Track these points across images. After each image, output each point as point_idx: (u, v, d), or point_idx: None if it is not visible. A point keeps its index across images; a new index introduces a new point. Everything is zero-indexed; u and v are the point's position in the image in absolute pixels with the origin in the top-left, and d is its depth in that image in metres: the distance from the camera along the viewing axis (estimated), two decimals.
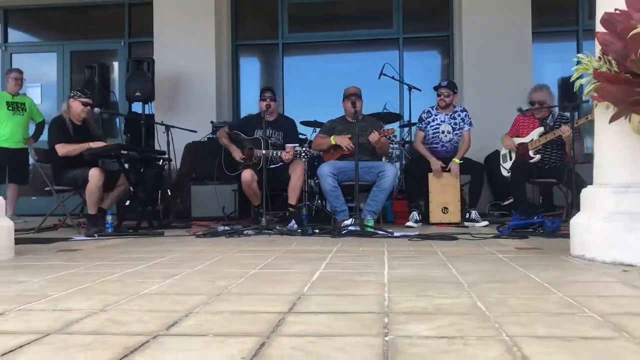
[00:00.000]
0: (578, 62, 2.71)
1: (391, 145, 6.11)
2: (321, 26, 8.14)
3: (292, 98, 7.99)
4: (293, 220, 4.68)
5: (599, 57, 2.57)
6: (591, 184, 2.84)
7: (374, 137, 4.82)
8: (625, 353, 1.21)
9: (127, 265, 2.72)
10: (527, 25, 7.00)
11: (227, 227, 4.44)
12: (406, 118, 6.59)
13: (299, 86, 8.02)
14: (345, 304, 1.75)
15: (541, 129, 4.94)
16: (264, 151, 4.70)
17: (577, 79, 2.66)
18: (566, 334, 1.36)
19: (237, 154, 4.96)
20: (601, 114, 2.64)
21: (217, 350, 1.27)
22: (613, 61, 2.48)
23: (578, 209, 2.91)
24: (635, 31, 2.19)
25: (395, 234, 4.18)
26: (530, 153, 4.94)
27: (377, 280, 2.18)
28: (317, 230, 4.39)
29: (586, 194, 2.79)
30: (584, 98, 2.63)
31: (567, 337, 1.34)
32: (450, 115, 5.40)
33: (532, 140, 4.97)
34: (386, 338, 1.34)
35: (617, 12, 2.44)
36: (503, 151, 5.30)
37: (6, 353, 1.25)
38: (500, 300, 1.77)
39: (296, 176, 4.83)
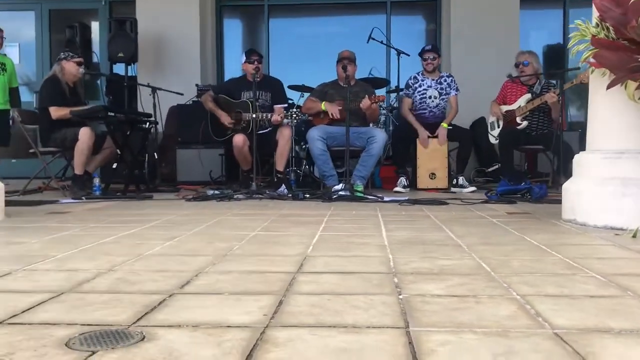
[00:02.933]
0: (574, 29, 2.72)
1: (380, 111, 6.11)
2: None
3: (278, 61, 7.90)
4: (283, 185, 4.68)
5: (597, 24, 2.58)
6: (577, 151, 2.91)
7: (365, 103, 4.81)
8: (633, 310, 1.25)
9: (122, 227, 2.70)
10: None
11: (216, 192, 4.43)
12: (394, 83, 6.57)
13: (284, 49, 7.92)
14: (351, 265, 1.78)
15: (528, 96, 4.97)
16: (253, 115, 4.66)
17: (575, 45, 2.66)
18: (573, 292, 1.40)
19: (226, 119, 4.91)
20: (596, 80, 2.67)
21: (235, 307, 1.28)
22: (611, 28, 2.50)
23: (564, 176, 2.96)
24: None
25: (386, 198, 4.22)
26: (518, 119, 4.98)
27: (377, 243, 2.21)
28: (307, 195, 4.40)
29: (579, 160, 2.83)
30: (579, 64, 2.65)
31: (574, 295, 1.38)
32: (437, 80, 5.40)
33: (519, 107, 5.00)
34: (400, 296, 1.37)
35: None
36: (491, 119, 5.33)
37: (25, 311, 1.25)
38: (503, 262, 1.81)
39: (284, 141, 4.80)
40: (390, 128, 6.24)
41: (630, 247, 2.09)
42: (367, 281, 1.55)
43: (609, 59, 2.41)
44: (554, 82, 5.02)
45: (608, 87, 2.45)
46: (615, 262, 1.82)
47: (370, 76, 6.82)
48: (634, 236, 2.31)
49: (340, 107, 4.89)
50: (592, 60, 2.52)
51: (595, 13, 2.63)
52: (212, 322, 1.16)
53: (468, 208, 3.63)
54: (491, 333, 1.09)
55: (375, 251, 2.02)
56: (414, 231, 2.56)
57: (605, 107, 2.66)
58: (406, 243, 2.21)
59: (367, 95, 4.86)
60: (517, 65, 5.11)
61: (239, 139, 4.71)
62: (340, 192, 4.35)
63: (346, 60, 4.95)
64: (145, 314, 1.22)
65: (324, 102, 4.96)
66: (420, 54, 5.47)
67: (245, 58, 5.05)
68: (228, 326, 1.14)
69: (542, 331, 1.10)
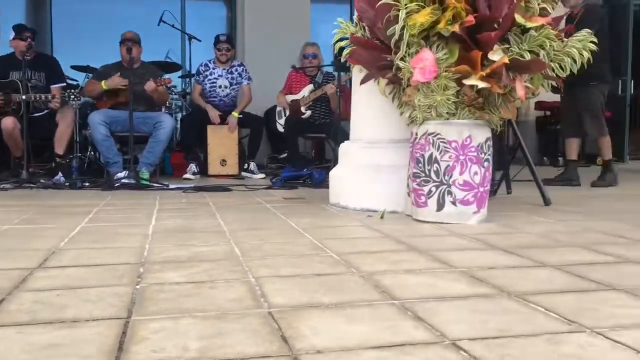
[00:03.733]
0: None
1: (171, 96, 5.99)
2: None
3: (62, 40, 7.31)
4: (60, 173, 4.37)
5: (356, 23, 2.80)
6: None
7: (149, 85, 4.66)
8: (348, 284, 1.40)
9: None
10: None
11: None
12: (187, 68, 6.47)
13: (70, 27, 7.35)
14: (102, 257, 1.73)
15: (311, 86, 5.25)
16: (23, 96, 4.26)
17: (338, 41, 2.86)
18: (304, 272, 1.53)
19: None
20: (357, 76, 2.91)
21: None
22: (367, 27, 2.73)
23: None
24: (382, 2, 2.43)
25: (171, 186, 4.16)
26: (302, 109, 5.23)
27: (142, 232, 2.18)
28: (87, 184, 4.16)
29: (343, 148, 3.07)
30: (342, 60, 2.86)
31: (304, 275, 1.50)
32: (228, 70, 5.44)
33: (303, 97, 5.26)
34: (137, 286, 1.37)
35: None
36: (278, 108, 5.53)
37: None
38: (256, 246, 1.90)
39: (65, 124, 4.48)
40: (184, 113, 6.16)
41: (375, 227, 2.33)
42: (111, 272, 1.52)
43: (363, 57, 2.64)
44: (334, 73, 5.34)
45: (360, 83, 2.69)
46: (356, 242, 2.01)
47: (168, 59, 6.65)
48: (382, 217, 2.58)
49: (120, 77, 4.66)
50: (350, 57, 2.73)
51: (356, 13, 2.86)
52: None
53: (250, 194, 3.73)
54: (210, 317, 1.14)
55: (135, 241, 1.99)
56: (186, 219, 2.57)
57: (363, 101, 2.92)
58: (172, 232, 2.21)
59: (151, 78, 4.70)
60: (305, 57, 5.35)
61: (7, 122, 4.28)
62: (123, 180, 4.19)
63: (130, 42, 4.75)
64: None
65: (103, 81, 4.70)
66: (215, 43, 5.46)
67: (14, 34, 4.58)
68: None
69: (259, 311, 1.18)
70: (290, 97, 5.38)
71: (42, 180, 4.17)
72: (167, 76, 4.84)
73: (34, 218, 2.57)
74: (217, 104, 5.41)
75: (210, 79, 5.40)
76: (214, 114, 5.27)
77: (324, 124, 5.27)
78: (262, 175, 5.19)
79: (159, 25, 5.96)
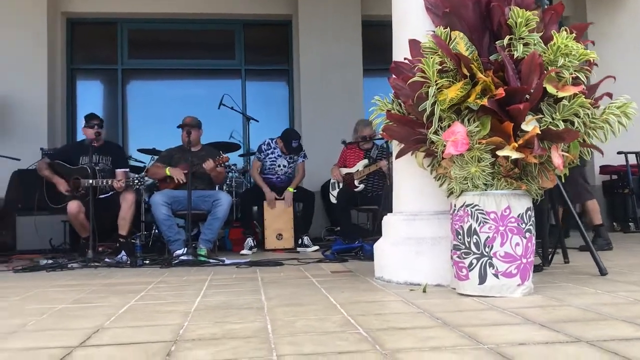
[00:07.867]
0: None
1: (231, 174, 6.23)
2: (163, 53, 8.08)
3: (132, 125, 7.84)
4: (123, 252, 4.59)
5: (393, 100, 2.89)
6: None
7: (208, 165, 4.90)
8: None
9: None
10: (358, 62, 7.53)
11: (49, 261, 4.24)
12: (246, 148, 6.75)
13: (139, 113, 7.88)
14: (140, 335, 1.81)
15: (365, 161, 5.34)
16: (91, 181, 4.57)
17: (375, 117, 2.95)
18: (326, 350, 1.54)
19: (63, 186, 4.76)
20: (396, 150, 2.97)
21: None
22: (402, 103, 2.81)
23: None
24: (412, 79, 2.51)
25: (227, 261, 4.27)
26: (356, 182, 5.31)
27: (184, 310, 2.25)
28: (147, 261, 4.35)
29: (385, 221, 3.09)
30: (379, 136, 2.93)
31: (325, 352, 1.51)
32: None
33: (357, 170, 5.35)
34: None
35: (405, 60, 2.78)
36: (332, 180, 5.64)
37: None
38: (288, 323, 1.92)
39: (127, 205, 4.75)
40: (243, 190, 6.38)
41: (414, 302, 2.31)
42: (143, 352, 1.58)
43: (396, 132, 2.71)
44: (390, 145, 5.41)
45: (396, 157, 2.74)
46: (388, 317, 2.00)
47: (231, 139, 6.98)
48: (424, 291, 2.55)
49: (185, 171, 4.92)
50: (384, 132, 2.80)
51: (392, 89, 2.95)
52: None
53: (300, 268, 3.78)
54: None
55: (176, 319, 2.06)
56: (230, 295, 2.63)
57: (403, 174, 2.96)
58: (213, 308, 2.28)
59: (210, 158, 4.94)
60: (363, 138, 5.45)
61: (73, 206, 4.58)
62: (182, 257, 4.34)
63: (188, 126, 5.04)
64: None
65: (168, 168, 4.98)
66: (285, 141, 5.53)
67: (85, 122, 4.98)
68: None
69: None
70: (344, 170, 5.49)
71: (107, 260, 4.38)
72: (225, 155, 5.06)
73: (88, 297, 2.71)
74: (274, 181, 5.59)
75: (271, 157, 5.60)
76: (270, 196, 5.43)
77: (377, 196, 5.31)
78: (316, 248, 5.24)
79: (218, 108, 6.30)
